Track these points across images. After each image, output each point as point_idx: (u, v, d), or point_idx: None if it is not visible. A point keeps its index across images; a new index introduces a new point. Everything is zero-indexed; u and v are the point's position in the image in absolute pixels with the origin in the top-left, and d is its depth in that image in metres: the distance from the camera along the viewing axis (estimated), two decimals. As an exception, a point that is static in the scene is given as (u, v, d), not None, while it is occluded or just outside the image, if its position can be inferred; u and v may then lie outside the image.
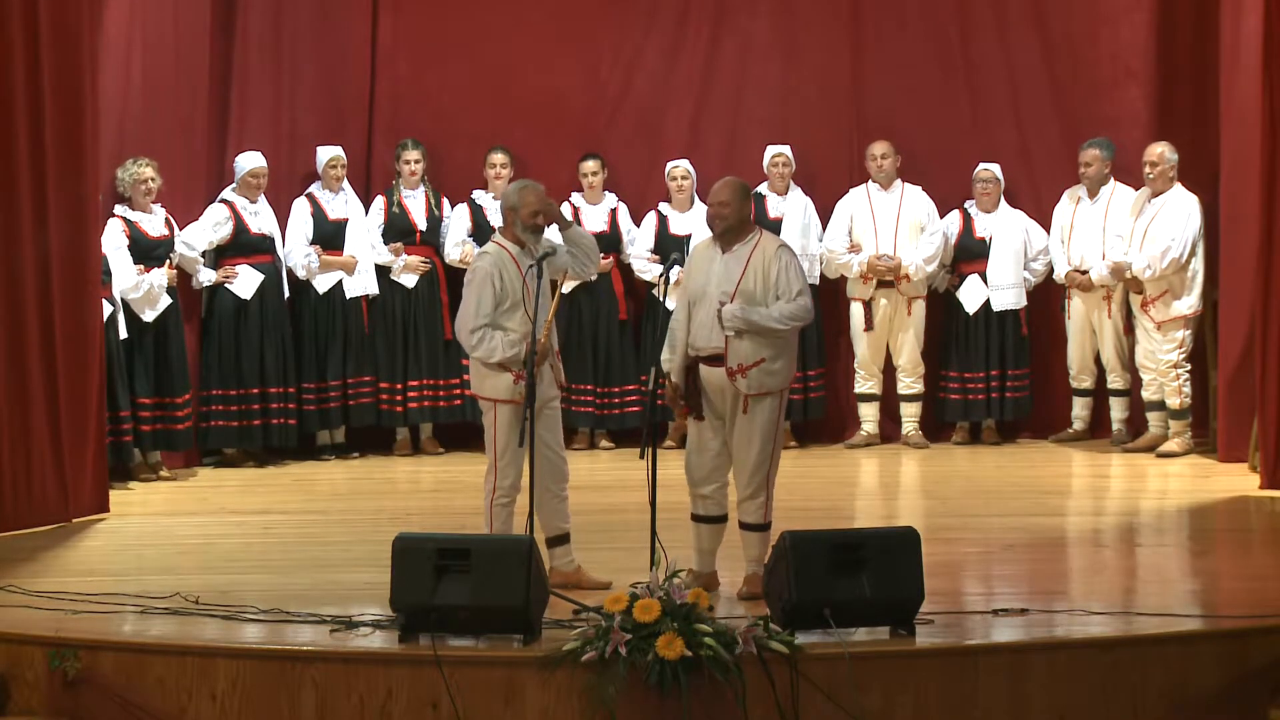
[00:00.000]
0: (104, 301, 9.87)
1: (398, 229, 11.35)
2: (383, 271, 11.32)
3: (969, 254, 11.52)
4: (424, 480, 10.93)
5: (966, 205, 11.60)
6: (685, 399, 7.38)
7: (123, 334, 10.14)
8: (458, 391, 11.39)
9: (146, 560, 8.29)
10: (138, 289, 10.23)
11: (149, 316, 10.35)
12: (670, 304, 8.40)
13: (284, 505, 9.88)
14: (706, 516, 7.45)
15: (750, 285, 7.28)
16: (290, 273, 11.15)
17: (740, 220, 7.38)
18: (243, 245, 10.89)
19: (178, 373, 10.50)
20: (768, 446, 7.31)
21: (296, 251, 11.14)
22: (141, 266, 10.28)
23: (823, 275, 11.57)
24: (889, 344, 11.58)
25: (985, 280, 11.45)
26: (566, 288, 7.59)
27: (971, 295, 11.48)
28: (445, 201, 11.50)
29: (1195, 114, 11.21)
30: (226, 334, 10.86)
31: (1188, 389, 10.89)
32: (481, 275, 7.49)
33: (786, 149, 11.53)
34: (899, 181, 11.52)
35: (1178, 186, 10.92)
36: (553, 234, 7.69)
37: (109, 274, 10.02)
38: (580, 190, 11.52)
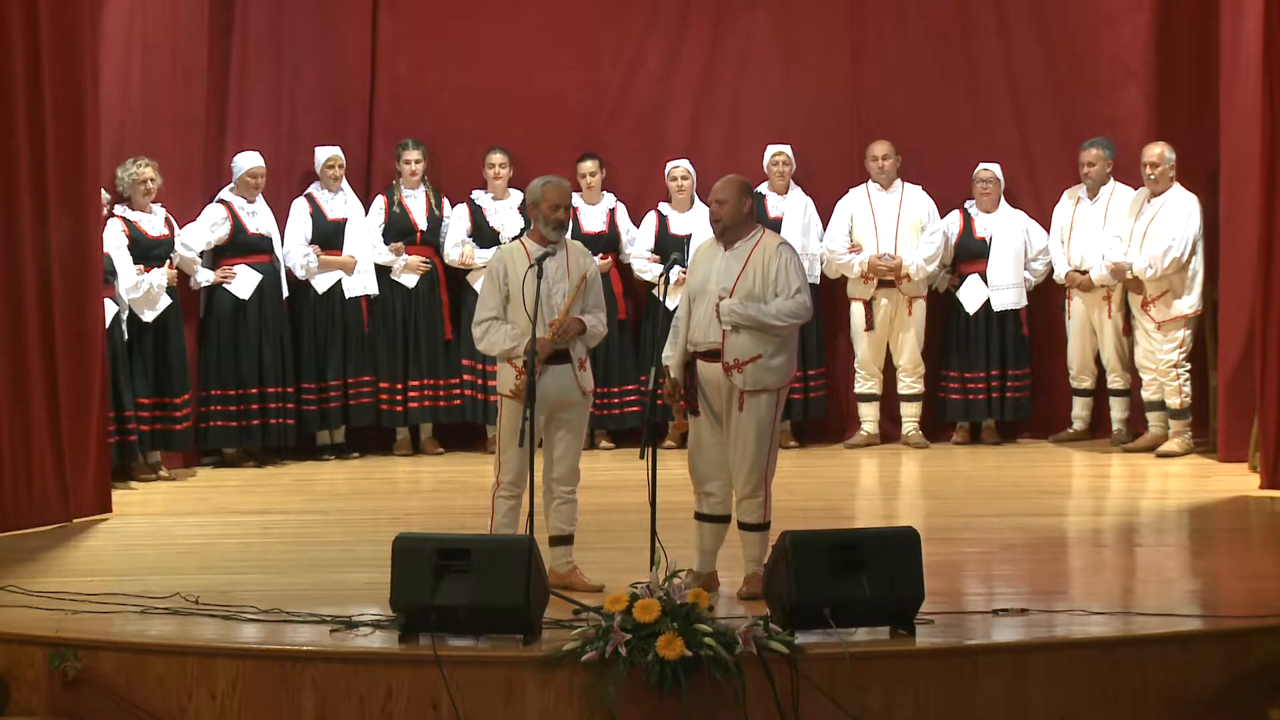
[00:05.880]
0: (110, 301, 9.89)
1: (398, 229, 11.35)
2: (383, 271, 11.33)
3: (969, 254, 11.52)
4: (424, 480, 10.93)
5: (966, 205, 11.60)
6: (683, 395, 7.40)
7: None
8: (458, 391, 11.40)
9: (146, 560, 8.29)
10: (137, 289, 10.23)
11: (149, 317, 10.35)
12: (670, 304, 8.40)
13: (284, 505, 9.88)
14: (710, 516, 7.45)
15: (750, 281, 7.29)
16: (289, 272, 11.15)
17: (739, 218, 7.39)
18: (240, 245, 10.88)
19: (177, 373, 10.50)
20: (764, 444, 7.30)
21: (295, 251, 11.14)
22: (141, 266, 10.29)
23: (823, 275, 11.57)
24: (889, 344, 11.59)
25: (985, 280, 11.46)
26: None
27: (972, 295, 11.48)
28: (445, 201, 11.51)
29: (1195, 114, 11.21)
30: (225, 334, 10.86)
31: (1188, 389, 10.89)
32: (487, 273, 7.73)
33: (787, 148, 11.53)
34: (899, 181, 11.52)
35: (1177, 186, 10.92)
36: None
37: (114, 274, 10.03)
38: (579, 190, 11.52)
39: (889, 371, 11.64)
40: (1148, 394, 11.08)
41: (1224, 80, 10.44)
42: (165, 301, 10.42)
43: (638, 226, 11.59)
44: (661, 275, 8.51)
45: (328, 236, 11.21)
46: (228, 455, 11.06)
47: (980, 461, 11.08)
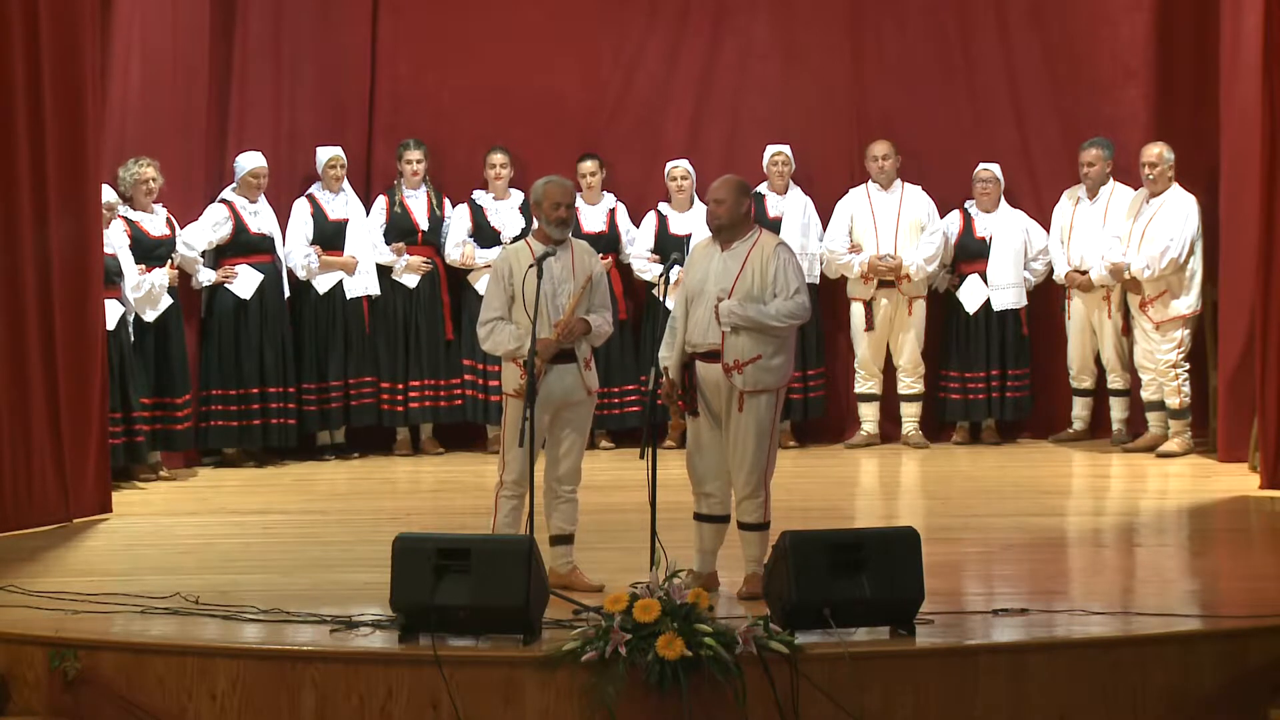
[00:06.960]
0: (116, 303, 9.89)
1: (400, 229, 11.36)
2: (384, 271, 11.33)
3: (969, 254, 11.53)
4: (424, 480, 10.93)
5: (966, 205, 11.61)
6: (681, 396, 7.40)
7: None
8: (458, 391, 11.41)
9: (146, 560, 8.29)
10: (139, 289, 10.23)
11: (150, 316, 10.35)
12: (670, 304, 8.39)
13: (284, 505, 9.88)
14: (709, 516, 7.45)
15: (748, 282, 7.29)
16: (291, 273, 11.16)
17: (736, 218, 7.39)
18: (242, 245, 10.89)
19: (178, 373, 10.51)
20: (764, 444, 7.30)
21: (296, 252, 11.14)
22: (143, 266, 10.29)
23: (823, 275, 11.58)
24: (889, 344, 11.59)
25: (985, 280, 11.46)
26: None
27: (972, 295, 11.49)
28: (446, 201, 11.51)
29: (1195, 114, 11.20)
30: (226, 334, 10.86)
31: (1187, 389, 10.89)
32: (492, 273, 7.72)
33: (786, 148, 11.54)
34: (899, 181, 11.52)
35: (1175, 186, 10.93)
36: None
37: (120, 275, 10.03)
38: (579, 190, 11.51)
39: (889, 371, 11.64)
40: (1147, 394, 11.09)
41: (1224, 80, 10.44)
42: (166, 301, 10.42)
43: (638, 226, 11.59)
44: (661, 275, 8.51)
45: (329, 237, 11.22)
46: (228, 455, 11.06)
47: (980, 461, 11.08)
